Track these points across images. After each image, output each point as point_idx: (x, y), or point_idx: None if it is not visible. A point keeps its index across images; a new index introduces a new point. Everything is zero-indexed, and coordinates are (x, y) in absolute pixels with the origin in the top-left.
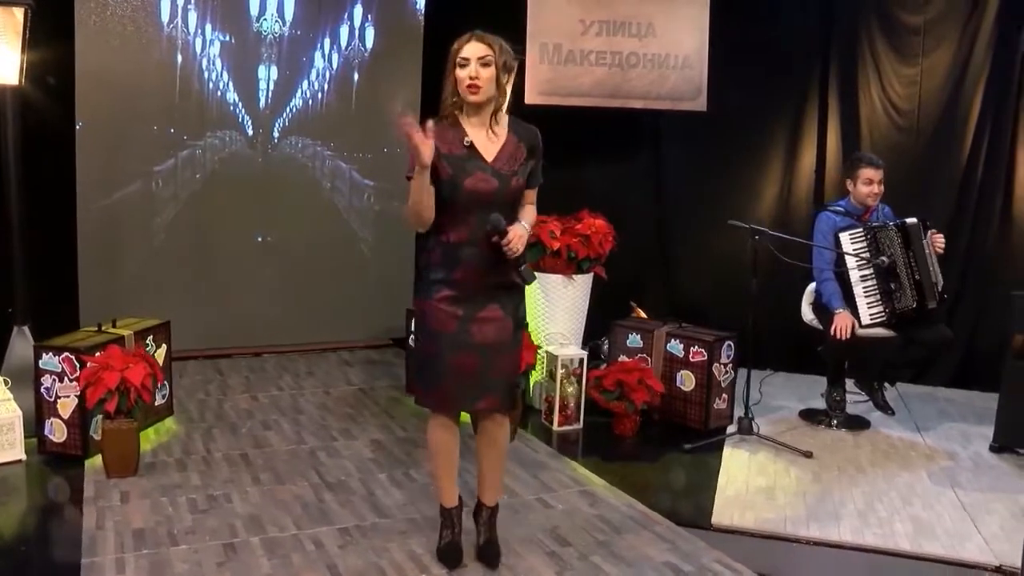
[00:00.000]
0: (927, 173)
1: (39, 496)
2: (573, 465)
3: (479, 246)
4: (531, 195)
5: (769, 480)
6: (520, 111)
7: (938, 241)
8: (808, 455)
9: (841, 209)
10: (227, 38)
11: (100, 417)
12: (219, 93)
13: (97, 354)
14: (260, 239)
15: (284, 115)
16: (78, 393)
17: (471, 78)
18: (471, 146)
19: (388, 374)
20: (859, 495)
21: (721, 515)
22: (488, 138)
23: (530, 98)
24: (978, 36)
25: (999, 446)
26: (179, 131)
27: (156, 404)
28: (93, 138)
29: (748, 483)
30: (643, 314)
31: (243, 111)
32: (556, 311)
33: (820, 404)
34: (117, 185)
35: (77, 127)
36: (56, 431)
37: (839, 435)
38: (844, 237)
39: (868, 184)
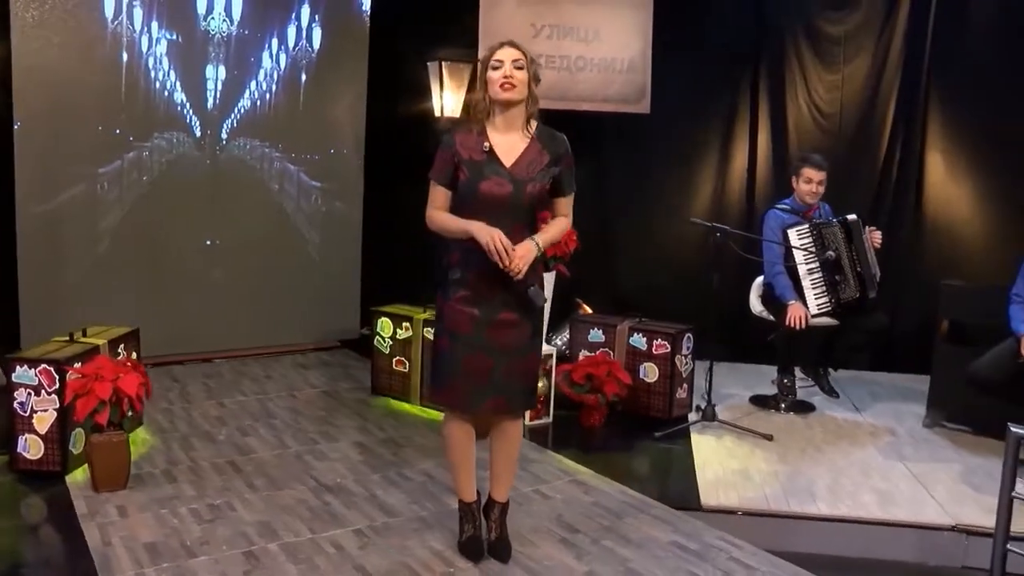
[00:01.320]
0: (848, 172)
1: (28, 516)
2: (557, 457)
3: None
4: (562, 204)
5: (741, 462)
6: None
7: (876, 236)
8: (769, 438)
9: (787, 207)
10: (174, 36)
11: (79, 430)
12: (166, 93)
13: (77, 364)
14: (209, 243)
15: (232, 116)
16: (58, 406)
17: (506, 77)
18: (490, 150)
19: (348, 376)
20: (824, 472)
21: (708, 496)
22: (511, 144)
23: None
24: (891, 47)
25: (934, 422)
26: (125, 132)
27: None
28: (33, 139)
29: (723, 466)
30: (588, 310)
31: (191, 112)
32: None
33: (766, 391)
34: (59, 188)
35: (15, 127)
36: (31, 447)
37: (790, 418)
38: (792, 233)
39: (808, 183)
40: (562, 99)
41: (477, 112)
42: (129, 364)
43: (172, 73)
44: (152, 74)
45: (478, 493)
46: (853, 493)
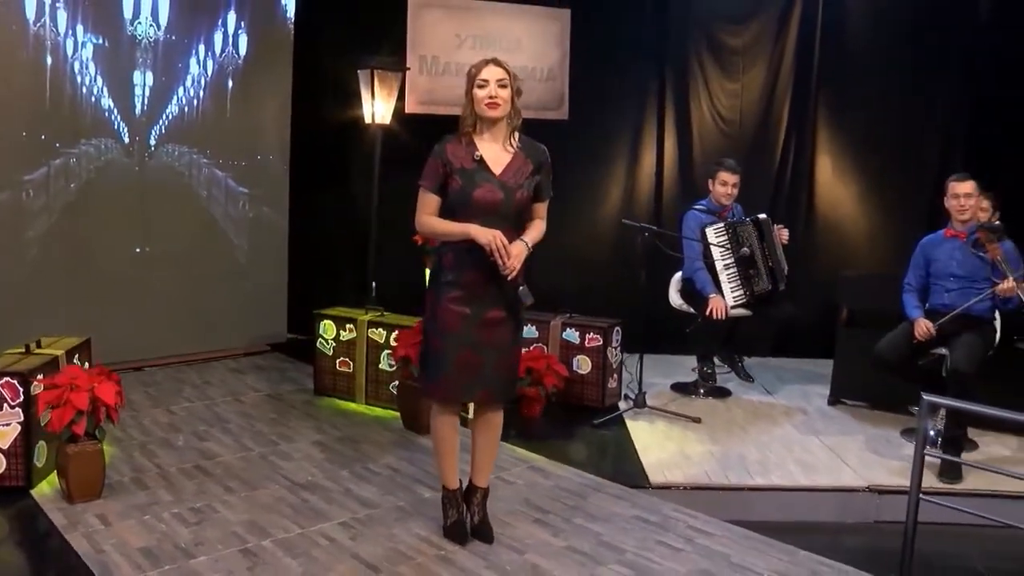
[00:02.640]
0: (748, 174)
1: (7, 532)
2: (509, 446)
3: (486, 253)
4: (540, 209)
5: (677, 444)
6: (402, 120)
7: (783, 233)
8: (698, 420)
9: (704, 208)
10: (100, 41)
11: (42, 443)
12: (93, 98)
13: (40, 376)
14: (139, 250)
15: (160, 122)
16: (22, 420)
17: (491, 96)
18: (480, 160)
19: (286, 379)
20: (752, 448)
21: (655, 475)
22: (498, 154)
23: (410, 107)
24: (784, 58)
25: (835, 399)
26: (51, 138)
27: None
28: None
29: (662, 448)
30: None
31: (119, 118)
32: None
33: (684, 378)
34: None
35: None
36: None
37: (711, 403)
38: (710, 232)
39: (724, 185)
40: None
41: (465, 125)
42: (102, 373)
43: (99, 78)
44: (78, 79)
45: (460, 481)
46: (780, 465)
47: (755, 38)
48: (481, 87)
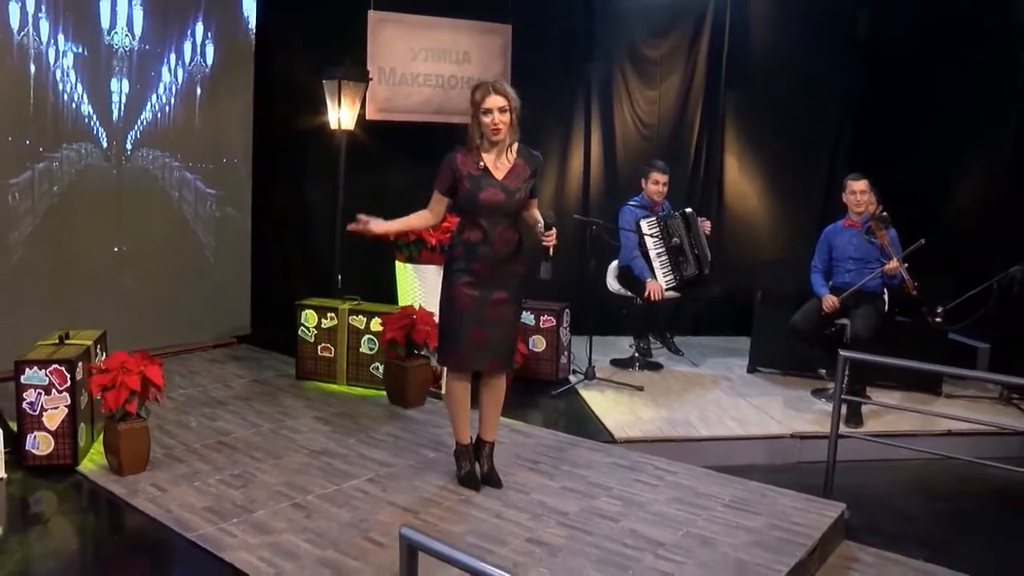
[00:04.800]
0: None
1: (80, 502)
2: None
3: (491, 245)
4: (534, 204)
5: (628, 408)
6: (363, 126)
7: (706, 225)
8: (640, 389)
9: (637, 203)
10: (80, 50)
11: (82, 425)
12: (74, 105)
13: (86, 363)
14: (116, 250)
15: (136, 128)
16: (69, 403)
17: (494, 124)
18: (485, 168)
19: (264, 367)
20: (692, 409)
21: (618, 432)
22: (499, 161)
23: (371, 114)
24: (696, 68)
25: (753, 368)
26: (35, 143)
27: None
28: None
29: (616, 411)
30: None
31: (98, 124)
32: (430, 295)
33: (620, 355)
34: None
35: None
36: (41, 444)
37: (647, 375)
38: (644, 224)
39: (656, 184)
40: (438, 112)
41: (473, 141)
42: (145, 357)
43: (79, 85)
44: (60, 86)
45: (470, 438)
46: (718, 421)
47: (671, 50)
48: (486, 114)
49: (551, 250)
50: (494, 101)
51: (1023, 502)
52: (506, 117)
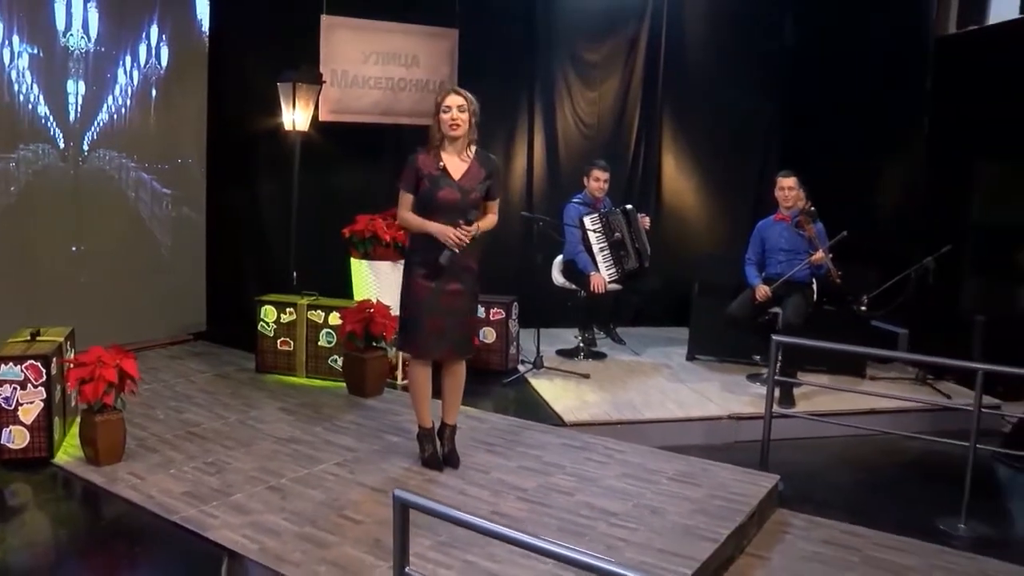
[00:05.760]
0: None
1: (62, 492)
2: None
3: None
4: (492, 206)
5: (575, 394)
6: (316, 126)
7: (645, 220)
8: (586, 376)
9: (580, 200)
10: (35, 51)
11: (56, 419)
12: (30, 106)
13: (54, 359)
14: (74, 248)
15: (93, 129)
16: (44, 397)
17: (452, 120)
18: (443, 168)
19: (226, 362)
20: (635, 394)
21: (567, 416)
22: (457, 163)
23: (323, 115)
24: (634, 70)
25: (692, 356)
26: None
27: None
28: None
29: (564, 397)
30: None
31: (54, 125)
32: (385, 290)
33: (565, 345)
34: None
35: None
36: (16, 438)
37: (592, 364)
38: (587, 220)
39: (597, 181)
40: (387, 114)
41: (433, 141)
42: (119, 351)
43: (35, 87)
44: (15, 87)
45: (432, 422)
46: (661, 404)
47: (610, 53)
48: (445, 112)
49: (458, 244)
50: (453, 100)
51: (936, 469)
52: (464, 116)
